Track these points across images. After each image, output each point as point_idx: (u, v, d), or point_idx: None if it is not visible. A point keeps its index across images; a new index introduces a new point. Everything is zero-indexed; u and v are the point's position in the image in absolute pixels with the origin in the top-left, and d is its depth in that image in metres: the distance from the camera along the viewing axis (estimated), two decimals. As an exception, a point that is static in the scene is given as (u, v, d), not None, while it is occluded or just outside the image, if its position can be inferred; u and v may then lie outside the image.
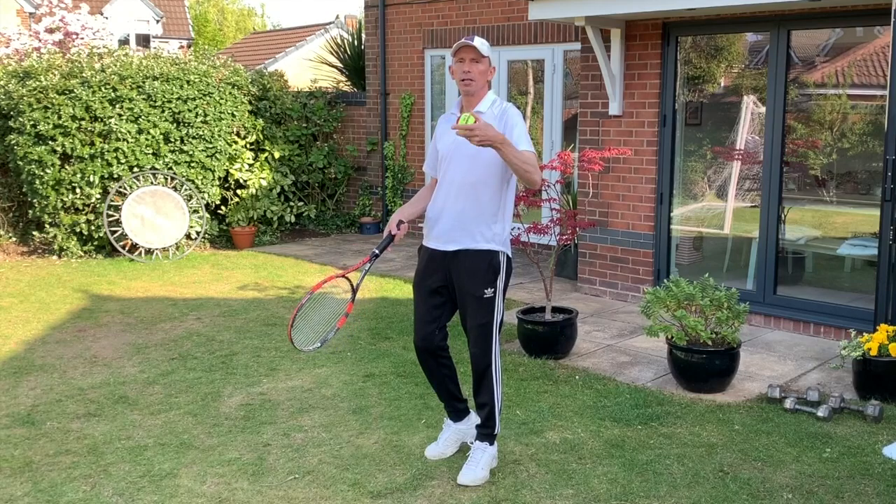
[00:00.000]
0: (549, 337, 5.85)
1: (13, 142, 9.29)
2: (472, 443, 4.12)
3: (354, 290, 4.04)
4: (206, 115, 9.91)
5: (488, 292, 3.91)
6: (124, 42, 27.08)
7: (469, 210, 3.87)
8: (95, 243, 9.70)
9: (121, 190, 9.43)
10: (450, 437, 4.26)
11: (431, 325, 4.01)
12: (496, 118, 3.88)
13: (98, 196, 9.40)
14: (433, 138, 4.12)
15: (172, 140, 9.69)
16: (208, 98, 9.95)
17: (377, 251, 3.96)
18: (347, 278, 4.04)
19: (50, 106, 9.16)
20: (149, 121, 9.48)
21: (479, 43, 3.84)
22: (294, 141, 11.42)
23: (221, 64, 10.57)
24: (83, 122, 9.22)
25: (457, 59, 3.87)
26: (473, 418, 4.27)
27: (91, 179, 9.27)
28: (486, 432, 4.05)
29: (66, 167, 9.28)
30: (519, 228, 5.65)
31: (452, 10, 10.45)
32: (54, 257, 9.65)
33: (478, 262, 3.89)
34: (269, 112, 11.14)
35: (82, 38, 13.07)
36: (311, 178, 11.63)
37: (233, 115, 10.26)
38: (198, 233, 10.01)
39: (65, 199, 9.35)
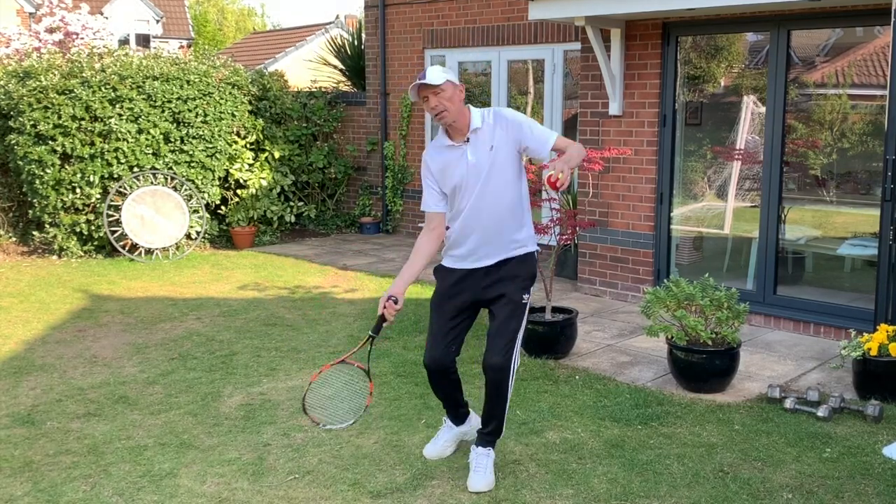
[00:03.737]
0: (549, 337, 5.85)
1: (13, 142, 9.29)
2: (474, 446, 4.06)
3: (368, 372, 3.97)
4: (206, 115, 9.91)
5: (525, 298, 3.91)
6: (124, 42, 27.08)
7: (502, 226, 3.84)
8: (95, 243, 9.70)
9: (121, 190, 9.43)
10: (450, 439, 4.26)
11: (450, 346, 3.93)
12: (492, 128, 3.82)
13: (98, 196, 9.40)
14: (429, 175, 3.89)
15: (172, 140, 9.69)
16: (208, 98, 9.95)
17: (373, 333, 3.85)
18: (348, 362, 3.96)
19: (50, 106, 9.16)
20: (149, 121, 9.48)
21: (432, 76, 3.72)
22: (294, 141, 11.42)
23: (221, 64, 10.57)
24: (83, 122, 9.22)
25: (421, 98, 3.79)
26: (474, 419, 4.26)
27: (91, 179, 9.27)
28: (492, 438, 4.03)
29: (66, 167, 9.28)
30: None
31: (452, 10, 10.45)
32: (54, 257, 9.65)
33: (518, 270, 3.89)
34: (269, 112, 11.14)
35: (82, 38, 13.07)
36: (311, 178, 11.63)
37: (233, 115, 10.26)
38: (198, 233, 10.01)
39: (65, 199, 9.35)
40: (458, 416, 4.23)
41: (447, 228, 3.95)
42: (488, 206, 3.82)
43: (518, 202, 3.89)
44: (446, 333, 3.92)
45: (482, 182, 3.80)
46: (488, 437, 4.02)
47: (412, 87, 3.78)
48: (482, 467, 3.94)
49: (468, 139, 3.82)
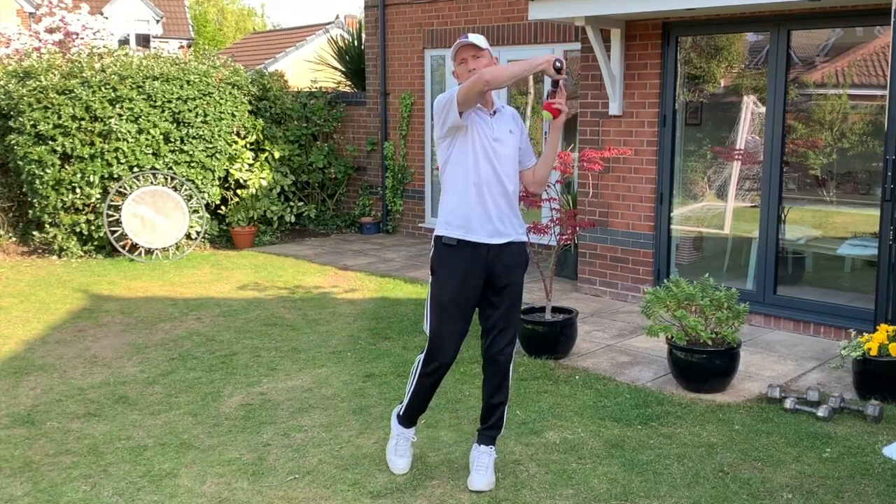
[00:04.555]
0: (549, 337, 5.85)
1: (13, 142, 9.29)
2: (476, 444, 4.05)
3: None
4: (206, 115, 9.91)
5: (523, 286, 3.99)
6: (124, 42, 27.06)
7: (511, 205, 3.89)
8: (95, 243, 9.70)
9: (121, 190, 9.43)
10: (409, 445, 4.16)
11: (461, 342, 3.91)
12: (509, 117, 3.95)
13: (98, 196, 9.40)
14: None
15: (172, 140, 9.69)
16: (208, 98, 9.95)
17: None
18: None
19: (50, 106, 9.16)
20: (149, 121, 9.48)
21: (475, 38, 3.84)
22: (294, 141, 11.42)
23: (221, 64, 10.57)
24: (83, 122, 9.22)
25: (458, 60, 3.85)
26: None
27: (91, 179, 9.27)
28: (494, 434, 4.02)
29: (66, 167, 9.27)
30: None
31: (452, 10, 10.45)
32: (54, 257, 9.65)
33: (520, 256, 3.94)
34: (269, 112, 11.14)
35: (82, 38, 13.07)
36: (311, 178, 11.63)
37: (233, 115, 10.26)
38: (198, 233, 10.01)
39: (65, 199, 9.35)
40: (417, 419, 4.18)
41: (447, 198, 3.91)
42: (502, 183, 3.85)
43: (516, 192, 3.97)
44: (461, 329, 3.90)
45: (500, 157, 3.84)
46: (490, 432, 4.01)
47: (454, 47, 3.84)
48: (483, 466, 3.93)
49: (495, 112, 3.90)
